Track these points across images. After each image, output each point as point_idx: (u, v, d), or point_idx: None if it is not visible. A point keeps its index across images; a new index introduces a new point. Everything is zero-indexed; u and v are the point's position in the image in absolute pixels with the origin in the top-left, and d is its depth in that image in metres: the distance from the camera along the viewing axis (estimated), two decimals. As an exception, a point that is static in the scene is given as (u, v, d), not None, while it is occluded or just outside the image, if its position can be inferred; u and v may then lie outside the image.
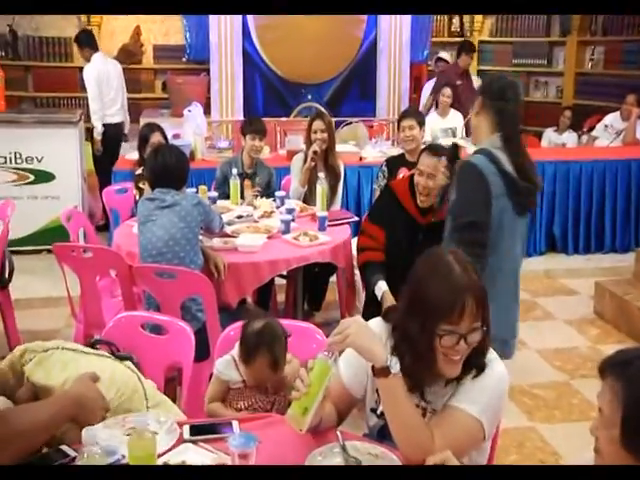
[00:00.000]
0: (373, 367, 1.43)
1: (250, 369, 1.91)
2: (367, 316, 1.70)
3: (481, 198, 2.17)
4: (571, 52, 7.40)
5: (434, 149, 2.97)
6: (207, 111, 5.72)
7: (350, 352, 1.50)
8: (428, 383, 1.50)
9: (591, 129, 6.19)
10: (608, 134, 5.81)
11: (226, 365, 1.94)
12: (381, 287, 2.81)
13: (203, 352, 2.46)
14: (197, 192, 3.53)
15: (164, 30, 6.77)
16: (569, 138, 6.33)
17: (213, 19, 5.83)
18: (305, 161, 3.90)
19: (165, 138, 3.70)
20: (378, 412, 1.57)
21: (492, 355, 1.51)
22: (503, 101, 2.26)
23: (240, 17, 5.92)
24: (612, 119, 5.85)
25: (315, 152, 3.83)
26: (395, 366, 1.41)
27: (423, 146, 4.29)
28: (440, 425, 1.44)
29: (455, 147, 2.20)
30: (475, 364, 1.47)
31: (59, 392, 1.57)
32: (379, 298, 2.79)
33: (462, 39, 7.80)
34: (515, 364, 3.28)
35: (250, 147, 3.84)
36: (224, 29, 5.81)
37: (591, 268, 4.70)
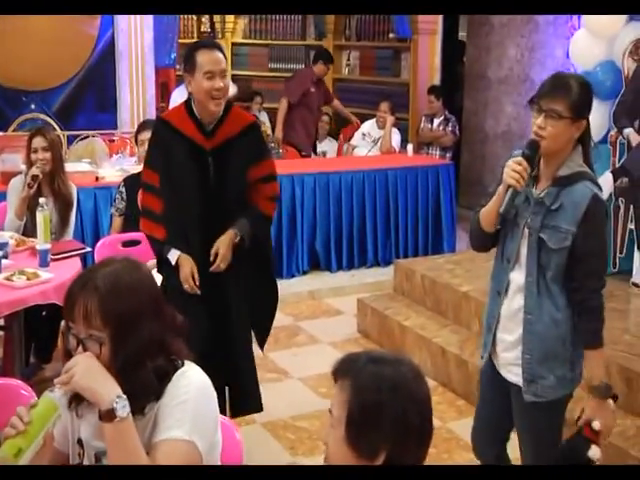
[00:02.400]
0: (99, 410, 1.42)
1: None
2: None
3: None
4: (328, 58, 8.02)
5: (207, 43, 2.86)
6: None
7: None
8: None
9: (351, 137, 6.77)
10: (366, 142, 6.41)
11: None
12: (173, 254, 2.77)
13: None
14: None
15: None
16: (329, 146, 6.85)
17: None
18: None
19: None
20: (84, 465, 1.57)
21: (187, 367, 1.56)
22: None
23: None
24: (369, 127, 6.46)
25: (34, 177, 3.65)
26: (123, 409, 1.41)
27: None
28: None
29: (535, 144, 2.07)
30: (146, 386, 1.50)
31: None
32: (173, 264, 2.76)
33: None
34: (276, 398, 3.48)
35: None
36: None
37: (355, 285, 5.13)
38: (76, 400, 1.52)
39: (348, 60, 7.98)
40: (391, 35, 7.50)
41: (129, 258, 1.60)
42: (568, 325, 2.10)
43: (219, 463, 1.63)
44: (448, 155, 6.45)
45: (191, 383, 1.53)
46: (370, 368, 1.32)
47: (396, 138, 6.35)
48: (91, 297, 1.46)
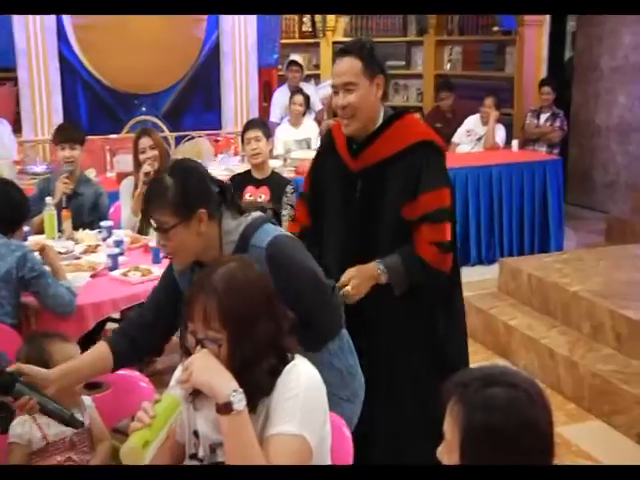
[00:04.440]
0: (217, 403, 1.47)
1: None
2: None
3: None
4: (429, 53, 7.95)
5: (343, 48, 2.27)
6: (17, 129, 5.51)
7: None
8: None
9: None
10: (470, 140, 6.29)
11: (22, 424, 1.92)
12: None
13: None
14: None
15: (-49, 29, 6.38)
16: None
17: (18, 17, 5.56)
18: (136, 185, 3.89)
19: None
20: (200, 456, 1.62)
21: (296, 361, 1.59)
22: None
23: (53, 15, 5.69)
24: (473, 123, 6.33)
25: (147, 173, 3.83)
26: (239, 403, 1.45)
27: (272, 161, 4.50)
28: (269, 462, 1.48)
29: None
30: (260, 385, 1.53)
31: None
32: None
33: (314, 40, 8.14)
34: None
35: (61, 159, 3.81)
36: (33, 29, 5.58)
37: (458, 283, 5.05)
38: (193, 394, 1.57)
39: (450, 55, 7.87)
40: (495, 28, 7.34)
41: (241, 257, 1.64)
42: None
43: (329, 457, 1.66)
44: (555, 151, 6.24)
45: (300, 377, 1.55)
46: (483, 392, 1.26)
47: (500, 134, 6.20)
48: (210, 299, 1.49)
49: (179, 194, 1.79)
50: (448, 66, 7.91)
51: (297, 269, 1.68)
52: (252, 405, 1.51)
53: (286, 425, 1.50)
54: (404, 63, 8.04)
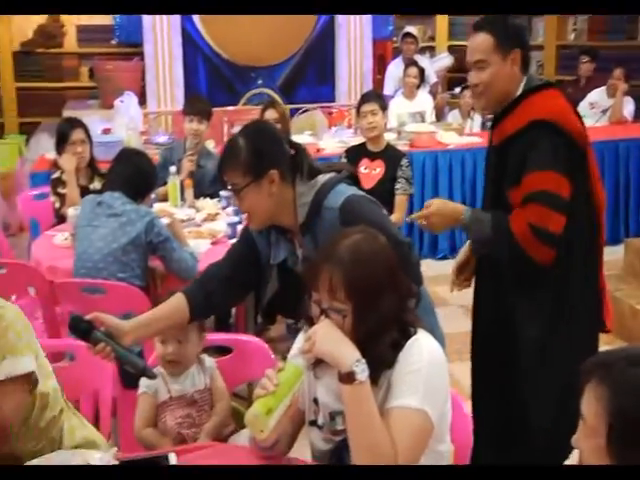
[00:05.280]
0: (339, 372, 1.47)
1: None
2: None
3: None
4: (552, 22, 7.58)
5: (476, 24, 2.15)
6: (142, 101, 5.71)
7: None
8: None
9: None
10: (593, 113, 5.97)
11: None
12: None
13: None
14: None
15: (88, 8, 6.71)
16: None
17: (146, -5, 5.80)
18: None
19: (88, 136, 3.69)
20: (319, 423, 1.62)
21: (419, 335, 1.56)
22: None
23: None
24: (597, 96, 6.01)
25: None
26: (362, 373, 1.45)
27: (386, 134, 4.44)
28: (390, 433, 1.47)
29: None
30: (382, 358, 1.51)
31: None
32: None
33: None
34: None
35: (187, 131, 3.91)
36: (159, 6, 5.81)
37: (579, 263, 4.83)
38: (315, 363, 1.57)
39: (575, 24, 7.47)
40: (626, -7, 6.90)
41: (366, 228, 1.61)
42: None
43: (448, 435, 1.62)
44: (690, 125, 5.83)
45: (423, 352, 1.53)
46: (630, 373, 1.18)
47: (629, 107, 5.86)
48: (336, 270, 1.48)
49: (250, 155, 1.85)
50: (572, 36, 7.52)
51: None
52: (374, 377, 1.49)
53: (408, 398, 1.48)
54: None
